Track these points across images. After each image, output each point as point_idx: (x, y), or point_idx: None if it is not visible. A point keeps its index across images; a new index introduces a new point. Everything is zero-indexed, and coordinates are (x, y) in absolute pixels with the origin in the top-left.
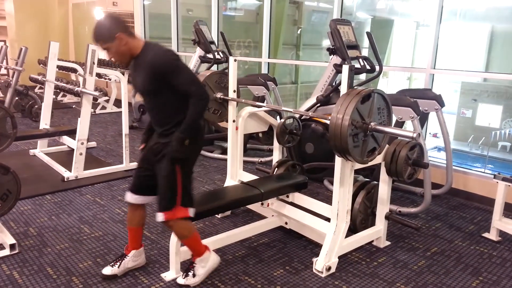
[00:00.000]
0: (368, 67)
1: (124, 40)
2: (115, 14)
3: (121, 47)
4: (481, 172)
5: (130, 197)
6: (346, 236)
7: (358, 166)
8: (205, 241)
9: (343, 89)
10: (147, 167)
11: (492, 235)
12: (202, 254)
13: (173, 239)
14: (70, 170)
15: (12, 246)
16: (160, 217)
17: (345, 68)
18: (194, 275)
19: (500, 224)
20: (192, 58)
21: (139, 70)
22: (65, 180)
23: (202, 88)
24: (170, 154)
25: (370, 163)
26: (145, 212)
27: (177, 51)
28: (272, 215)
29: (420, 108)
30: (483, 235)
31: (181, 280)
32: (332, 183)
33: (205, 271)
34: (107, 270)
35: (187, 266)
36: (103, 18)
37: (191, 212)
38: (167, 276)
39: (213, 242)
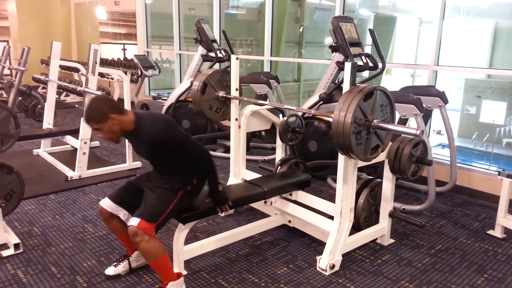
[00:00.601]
0: (370, 64)
1: (116, 120)
2: (105, 96)
3: (113, 127)
4: (485, 169)
5: (105, 202)
6: (350, 234)
7: (361, 163)
8: (208, 240)
9: (346, 86)
10: (136, 185)
11: (497, 232)
12: (175, 278)
13: (176, 238)
14: (73, 170)
15: (16, 246)
16: (135, 221)
17: (348, 66)
18: None
19: (505, 221)
20: (194, 57)
21: (139, 143)
22: (69, 179)
23: (200, 150)
24: (219, 203)
25: (373, 161)
26: (123, 221)
27: (179, 50)
28: (276, 214)
29: (424, 105)
30: (487, 232)
31: None
32: (335, 181)
33: None
34: (110, 271)
35: None
36: (94, 100)
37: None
38: None
39: (216, 240)
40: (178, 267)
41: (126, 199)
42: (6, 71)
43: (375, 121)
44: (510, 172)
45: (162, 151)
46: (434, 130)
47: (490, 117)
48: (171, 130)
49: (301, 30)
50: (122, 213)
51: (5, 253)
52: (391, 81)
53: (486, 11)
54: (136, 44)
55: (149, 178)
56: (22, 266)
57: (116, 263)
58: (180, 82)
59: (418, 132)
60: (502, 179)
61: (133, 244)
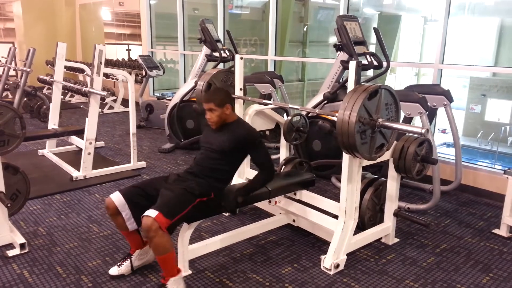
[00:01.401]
0: (375, 63)
1: (228, 110)
2: (228, 90)
3: (223, 114)
4: (490, 167)
5: (115, 195)
6: (354, 234)
7: (366, 162)
8: (212, 240)
9: (350, 85)
10: (151, 185)
11: (502, 231)
12: (175, 274)
13: (181, 237)
14: (78, 170)
15: (22, 245)
16: (153, 213)
17: (352, 64)
18: None
19: (510, 220)
20: (198, 57)
21: (225, 136)
22: (74, 179)
23: (273, 168)
24: (227, 203)
25: (378, 160)
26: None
27: (184, 50)
28: (280, 213)
29: (429, 104)
30: (493, 231)
31: None
32: (340, 180)
33: None
34: (114, 271)
35: None
36: (221, 89)
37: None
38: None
39: (221, 240)
40: (183, 266)
41: (136, 198)
42: (12, 72)
43: (379, 120)
44: None
45: (240, 149)
46: (439, 129)
47: (495, 116)
48: (260, 136)
49: (305, 29)
50: (125, 213)
51: (11, 252)
52: (396, 80)
53: (492, 9)
54: (140, 45)
55: (167, 180)
56: (28, 265)
57: (120, 263)
58: (185, 82)
59: (423, 131)
60: (508, 177)
61: (145, 237)
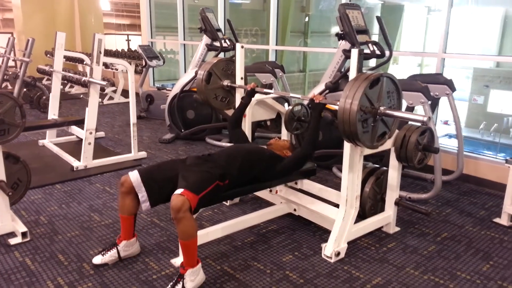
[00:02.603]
0: (378, 52)
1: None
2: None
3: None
4: (492, 157)
5: (134, 174)
6: (355, 222)
7: (367, 151)
8: (213, 228)
9: (352, 73)
10: (169, 168)
11: (504, 220)
12: (195, 265)
13: None
14: (79, 160)
15: (23, 234)
16: (178, 191)
17: (354, 52)
18: None
19: (511, 209)
20: (198, 46)
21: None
22: (75, 169)
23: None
24: (317, 107)
25: (380, 149)
26: (136, 202)
27: (184, 40)
28: (281, 202)
29: (431, 93)
30: (494, 220)
31: None
32: (341, 170)
33: (193, 285)
34: (97, 260)
35: (175, 279)
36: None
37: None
38: (177, 262)
39: (222, 228)
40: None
41: (154, 181)
42: (11, 63)
43: (381, 108)
44: None
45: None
46: (441, 121)
47: (498, 107)
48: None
49: (306, 19)
50: (141, 194)
51: (13, 241)
52: (398, 71)
53: None
54: (140, 35)
55: (185, 162)
56: (30, 253)
57: (103, 251)
58: (185, 72)
59: (425, 119)
60: (509, 166)
61: (174, 219)
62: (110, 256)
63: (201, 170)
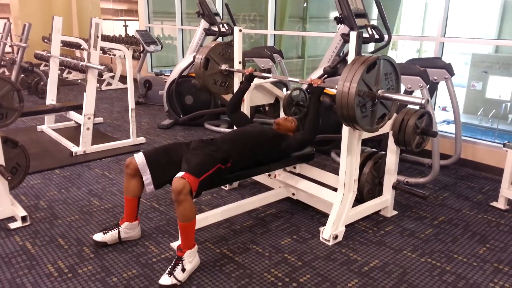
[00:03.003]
0: (376, 36)
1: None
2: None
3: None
4: (490, 141)
5: (139, 156)
6: (353, 206)
7: (366, 135)
8: (212, 212)
9: (351, 56)
10: (174, 150)
11: (500, 204)
12: (192, 247)
13: None
14: (78, 145)
15: (23, 218)
16: (180, 174)
17: (353, 35)
18: (183, 270)
19: (508, 192)
20: (196, 31)
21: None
22: (73, 155)
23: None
24: (316, 92)
25: (378, 132)
26: (141, 185)
27: (181, 25)
28: (280, 186)
29: (430, 78)
30: (491, 204)
31: (166, 280)
32: (339, 155)
33: (192, 267)
34: (98, 237)
35: (173, 262)
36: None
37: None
38: (176, 245)
39: (221, 212)
40: None
41: (158, 163)
42: (8, 49)
43: (379, 91)
44: None
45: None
46: (439, 107)
47: (497, 93)
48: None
49: (305, 4)
50: (146, 177)
51: (13, 225)
52: (397, 56)
53: None
54: (137, 20)
55: (189, 145)
56: (30, 237)
57: (105, 230)
58: (183, 58)
59: (423, 101)
60: (507, 150)
61: (175, 201)
62: (111, 235)
63: (203, 153)
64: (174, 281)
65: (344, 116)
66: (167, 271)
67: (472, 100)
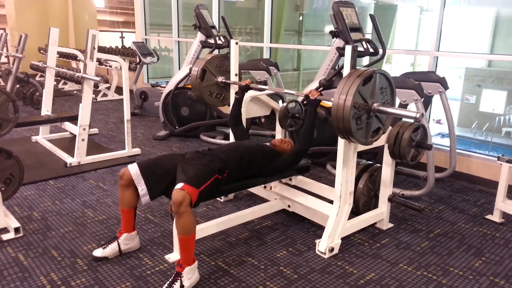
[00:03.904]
0: (371, 49)
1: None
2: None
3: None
4: (485, 154)
5: (133, 167)
6: (349, 218)
7: (361, 147)
8: (208, 224)
9: (346, 70)
10: (169, 161)
11: (495, 217)
12: (191, 263)
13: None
14: (72, 156)
15: (16, 230)
16: (178, 185)
17: (348, 49)
18: (182, 287)
19: (503, 205)
20: (193, 43)
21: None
22: (68, 165)
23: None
24: (311, 102)
25: (373, 145)
26: (136, 195)
27: (178, 37)
28: (275, 198)
29: (424, 91)
30: (486, 217)
31: None
32: (334, 167)
33: (189, 284)
34: (98, 252)
35: (171, 278)
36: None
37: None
38: (171, 257)
39: (216, 224)
40: (177, 250)
41: (153, 174)
42: (4, 59)
43: (375, 104)
44: (509, 157)
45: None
46: (434, 120)
47: (490, 107)
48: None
49: (301, 18)
50: (141, 188)
51: (6, 236)
52: (391, 70)
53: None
54: (134, 32)
55: (185, 156)
56: (23, 249)
57: (105, 245)
58: (179, 69)
59: (418, 115)
60: (501, 164)
61: (175, 213)
62: (111, 249)
63: (200, 163)
64: None
65: (339, 128)
66: (164, 287)
67: (466, 113)
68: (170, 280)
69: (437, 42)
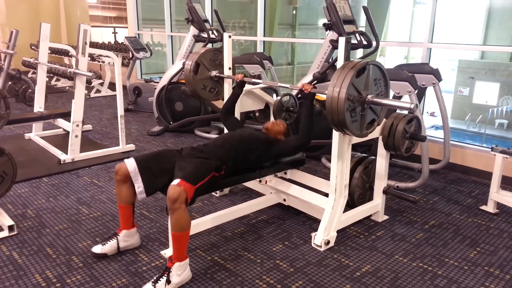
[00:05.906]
0: (364, 42)
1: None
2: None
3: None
4: (478, 145)
5: (130, 161)
6: (344, 211)
7: (356, 140)
8: (203, 219)
9: (340, 62)
10: (167, 157)
11: (490, 208)
12: (183, 259)
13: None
14: (66, 153)
15: (10, 228)
16: (175, 182)
17: (342, 40)
18: (168, 282)
19: (497, 196)
20: (186, 38)
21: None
22: (62, 162)
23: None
24: (307, 96)
25: (367, 138)
26: (133, 190)
27: (171, 31)
28: (270, 192)
29: (418, 83)
30: (480, 207)
31: None
32: (329, 160)
33: (179, 281)
34: (97, 249)
35: (160, 272)
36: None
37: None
38: (167, 253)
39: (212, 219)
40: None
41: (150, 170)
42: None
43: (369, 96)
44: (503, 148)
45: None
46: (427, 112)
47: (483, 98)
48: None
49: (294, 11)
50: (138, 185)
51: (0, 235)
52: (385, 63)
53: None
54: (127, 27)
55: (181, 153)
56: (17, 247)
57: (104, 242)
58: (172, 64)
59: (412, 106)
60: (495, 154)
61: (170, 209)
62: (110, 246)
63: (198, 160)
64: None
65: (334, 121)
66: (152, 280)
67: (460, 105)
68: (158, 274)
69: (430, 33)
